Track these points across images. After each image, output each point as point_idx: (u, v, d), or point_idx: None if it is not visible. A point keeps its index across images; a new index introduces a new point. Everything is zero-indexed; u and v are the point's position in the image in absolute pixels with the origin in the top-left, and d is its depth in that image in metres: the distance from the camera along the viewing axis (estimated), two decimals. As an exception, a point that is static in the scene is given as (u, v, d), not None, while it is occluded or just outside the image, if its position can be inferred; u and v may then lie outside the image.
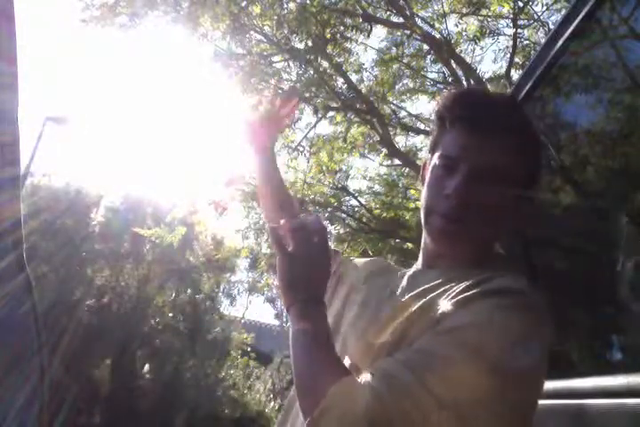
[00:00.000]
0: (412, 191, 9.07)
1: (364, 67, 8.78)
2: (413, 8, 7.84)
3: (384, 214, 9.25)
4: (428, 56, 8.32)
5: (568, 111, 1.62)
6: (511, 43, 7.61)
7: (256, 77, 7.67)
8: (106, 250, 14.07)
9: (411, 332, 0.83)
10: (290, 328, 0.86)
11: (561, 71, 1.49)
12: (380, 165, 9.85)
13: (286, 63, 8.22)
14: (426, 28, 7.59)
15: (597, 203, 1.54)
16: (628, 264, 1.37)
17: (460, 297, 0.82)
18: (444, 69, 8.13)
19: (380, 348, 0.86)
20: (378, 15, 8.25)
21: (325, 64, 7.93)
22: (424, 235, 1.00)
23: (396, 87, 9.15)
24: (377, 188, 9.81)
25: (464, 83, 7.65)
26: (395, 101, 9.25)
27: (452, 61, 7.59)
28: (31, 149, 10.72)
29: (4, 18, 0.59)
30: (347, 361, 0.88)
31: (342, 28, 7.73)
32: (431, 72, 8.88)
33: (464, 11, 7.56)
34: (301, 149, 8.86)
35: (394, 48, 8.51)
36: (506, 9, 7.32)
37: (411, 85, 9.28)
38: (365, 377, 0.73)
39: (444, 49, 7.27)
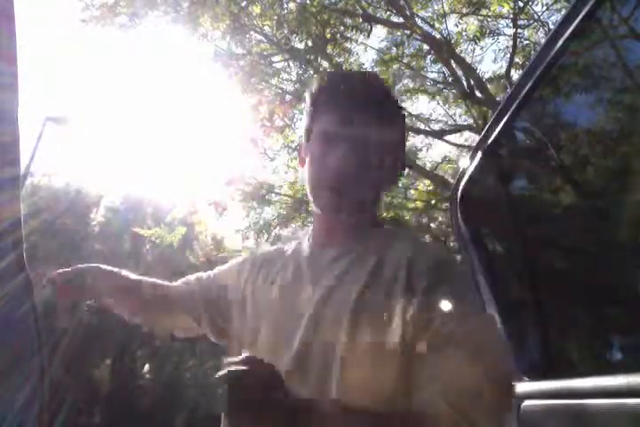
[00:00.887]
0: (412, 191, 9.08)
1: (364, 67, 8.78)
2: (413, 8, 7.84)
3: (384, 214, 9.25)
4: (428, 56, 8.31)
5: (568, 111, 1.62)
6: (511, 43, 7.61)
7: (256, 77, 7.67)
8: (106, 250, 14.06)
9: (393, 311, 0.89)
10: None
11: (561, 71, 1.49)
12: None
13: (286, 63, 8.22)
14: (426, 28, 7.59)
15: (597, 203, 1.54)
16: (628, 264, 1.37)
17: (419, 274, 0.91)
18: (444, 69, 8.14)
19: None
20: (378, 15, 8.26)
21: (325, 64, 7.93)
22: (314, 212, 1.06)
23: (396, 87, 9.15)
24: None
25: (464, 83, 7.66)
26: (395, 101, 9.24)
27: (452, 61, 7.59)
28: (31, 149, 10.72)
29: (4, 18, 0.59)
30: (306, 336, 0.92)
31: (342, 28, 7.73)
32: (431, 72, 8.88)
33: (464, 11, 7.57)
34: (301, 148, 8.83)
35: (394, 48, 8.51)
36: (506, 9, 7.32)
37: (411, 85, 9.28)
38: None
39: (444, 49, 7.28)
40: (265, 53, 8.01)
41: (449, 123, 9.42)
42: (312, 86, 1.06)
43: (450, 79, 7.74)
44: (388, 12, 8.12)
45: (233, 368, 0.74)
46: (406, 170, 1.16)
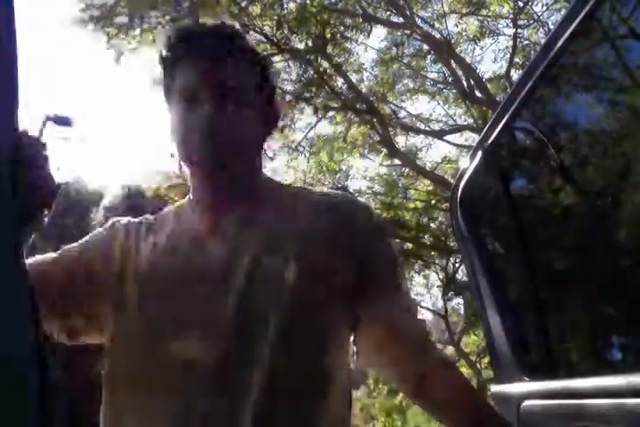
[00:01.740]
0: (412, 191, 9.07)
1: (364, 67, 8.78)
2: (413, 8, 7.84)
3: (384, 214, 9.25)
4: (428, 56, 8.32)
5: (568, 111, 1.62)
6: (511, 43, 7.61)
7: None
8: (106, 250, 14.00)
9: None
10: None
11: (561, 71, 1.49)
12: (380, 165, 9.86)
13: (286, 63, 8.22)
14: (426, 28, 7.59)
15: (598, 203, 1.54)
16: (629, 264, 1.37)
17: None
18: (444, 69, 8.13)
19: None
20: (378, 15, 8.25)
21: (325, 64, 7.93)
22: (191, 178, 0.97)
23: (396, 87, 9.15)
24: (377, 188, 9.82)
25: (464, 83, 7.66)
26: (395, 101, 9.26)
27: (452, 61, 7.59)
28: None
29: (4, 18, 0.59)
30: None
31: (342, 28, 7.73)
32: (431, 72, 8.88)
33: (464, 11, 7.57)
34: (301, 149, 8.86)
35: (394, 48, 8.51)
36: (506, 9, 7.32)
37: (411, 85, 9.28)
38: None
39: (444, 49, 7.28)
40: (265, 53, 8.01)
41: (449, 123, 9.41)
42: (164, 38, 0.98)
43: (450, 79, 7.74)
44: (388, 12, 8.12)
45: None
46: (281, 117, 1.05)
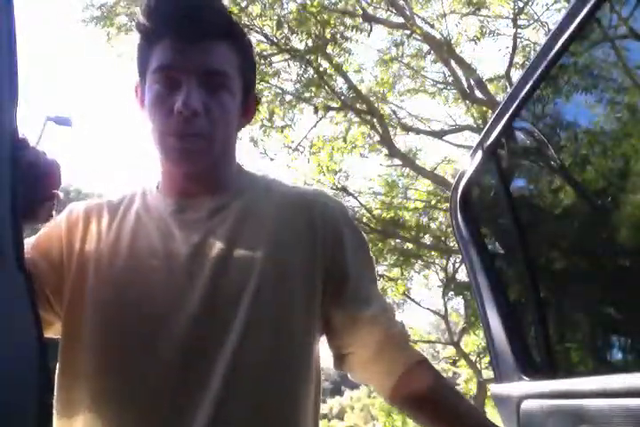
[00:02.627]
0: (412, 191, 9.08)
1: (364, 67, 8.78)
2: (413, 8, 7.85)
3: (384, 214, 9.26)
4: (428, 56, 8.32)
5: (568, 111, 1.62)
6: (511, 43, 7.61)
7: (256, 77, 7.66)
8: (106, 250, 14.02)
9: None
10: None
11: (561, 71, 1.49)
12: (380, 165, 9.86)
13: (286, 63, 8.22)
14: (426, 28, 7.59)
15: (598, 203, 1.54)
16: (629, 264, 1.37)
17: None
18: (444, 69, 8.14)
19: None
20: (378, 15, 8.26)
21: (325, 64, 7.93)
22: (162, 164, 0.92)
23: (396, 87, 9.15)
24: (377, 188, 9.82)
25: (464, 83, 7.66)
26: (395, 101, 9.26)
27: (452, 61, 7.59)
28: (31, 149, 10.68)
29: (3, 17, 0.59)
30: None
31: (342, 28, 7.74)
32: (431, 72, 8.88)
33: (464, 11, 7.57)
34: (301, 149, 8.86)
35: (394, 48, 8.52)
36: (506, 9, 7.33)
37: (411, 85, 9.28)
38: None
39: (444, 49, 7.28)
40: (265, 53, 8.01)
41: (449, 123, 9.42)
42: (139, 12, 0.89)
43: (450, 79, 7.74)
44: (388, 12, 8.12)
45: None
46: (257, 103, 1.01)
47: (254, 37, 8.00)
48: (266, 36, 7.88)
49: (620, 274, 1.39)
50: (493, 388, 1.63)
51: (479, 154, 1.68)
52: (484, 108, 7.69)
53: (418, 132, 9.22)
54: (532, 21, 7.56)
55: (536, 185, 1.87)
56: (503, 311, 1.62)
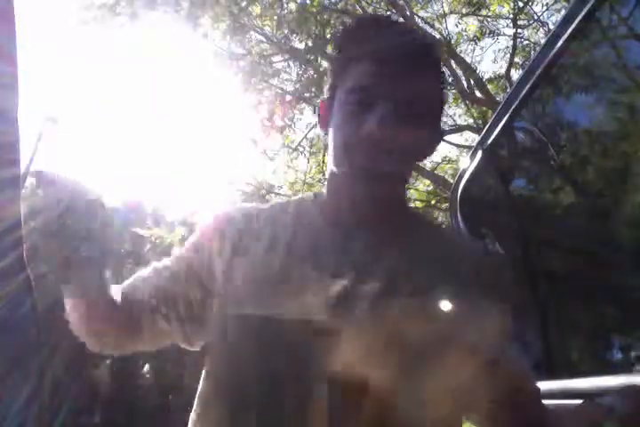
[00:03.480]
0: (412, 191, 9.08)
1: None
2: (413, 8, 7.85)
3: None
4: (428, 56, 8.30)
5: (568, 111, 1.62)
6: (511, 43, 7.61)
7: (256, 77, 7.67)
8: (106, 250, 14.01)
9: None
10: None
11: (561, 71, 1.49)
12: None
13: (286, 63, 8.22)
14: (426, 28, 7.59)
15: (598, 203, 1.54)
16: (629, 264, 1.37)
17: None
18: (444, 69, 8.12)
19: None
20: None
21: (325, 64, 7.93)
22: (337, 179, 0.85)
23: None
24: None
25: (464, 83, 7.66)
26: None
27: (452, 61, 7.59)
28: (31, 149, 10.72)
29: (4, 18, 0.59)
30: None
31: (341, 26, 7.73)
32: (431, 72, 8.85)
33: (464, 11, 7.57)
34: (301, 149, 8.86)
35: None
36: (506, 9, 7.33)
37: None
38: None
39: (444, 49, 7.28)
40: (265, 53, 8.01)
41: (449, 123, 9.41)
42: (339, 33, 0.86)
43: (450, 79, 7.73)
44: (388, 12, 8.11)
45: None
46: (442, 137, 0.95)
47: (254, 37, 8.01)
48: (266, 36, 7.88)
49: (620, 274, 1.39)
50: (493, 388, 1.63)
51: (479, 154, 1.68)
52: (484, 108, 7.69)
53: (418, 132, 9.18)
54: (532, 21, 7.56)
55: (535, 185, 1.87)
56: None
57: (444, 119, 0.97)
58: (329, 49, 7.73)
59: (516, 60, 7.64)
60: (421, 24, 7.60)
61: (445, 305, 0.79)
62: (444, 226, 0.97)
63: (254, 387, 0.74)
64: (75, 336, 0.95)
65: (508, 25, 7.63)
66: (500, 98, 7.42)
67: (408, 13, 7.65)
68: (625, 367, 1.45)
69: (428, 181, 9.14)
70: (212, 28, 7.40)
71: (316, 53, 7.57)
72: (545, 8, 7.25)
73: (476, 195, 1.87)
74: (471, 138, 9.03)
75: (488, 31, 7.59)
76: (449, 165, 9.68)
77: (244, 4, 7.56)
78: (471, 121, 8.57)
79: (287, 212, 0.89)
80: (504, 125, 1.55)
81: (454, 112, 9.20)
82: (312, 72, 7.80)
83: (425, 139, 0.85)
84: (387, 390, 0.72)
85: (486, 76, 8.12)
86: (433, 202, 9.22)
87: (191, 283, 0.87)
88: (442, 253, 0.86)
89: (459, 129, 9.03)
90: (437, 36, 7.50)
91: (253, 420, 0.73)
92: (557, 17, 7.18)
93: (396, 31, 0.83)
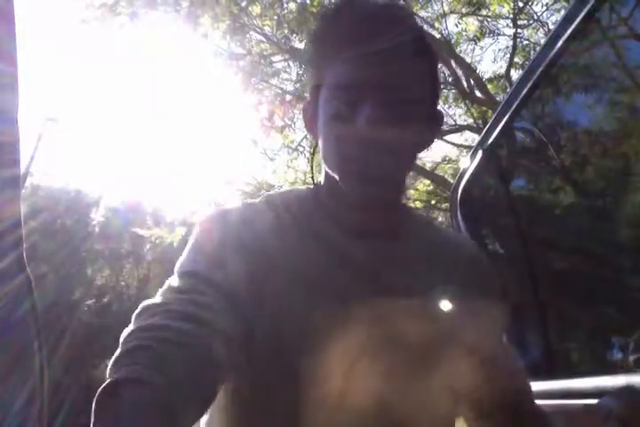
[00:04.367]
0: (412, 191, 9.07)
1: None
2: (413, 8, 7.85)
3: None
4: (428, 56, 8.30)
5: (568, 111, 1.62)
6: (511, 43, 7.62)
7: (256, 77, 7.67)
8: (106, 250, 14.07)
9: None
10: None
11: (561, 71, 1.49)
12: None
13: (286, 63, 8.22)
14: (426, 27, 7.59)
15: (598, 203, 1.54)
16: (629, 264, 1.37)
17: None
18: (444, 69, 8.13)
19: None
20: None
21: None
22: (335, 186, 0.79)
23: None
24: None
25: (464, 83, 7.66)
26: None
27: (452, 61, 7.59)
28: (31, 149, 10.73)
29: (4, 18, 0.59)
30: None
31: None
32: (431, 72, 8.85)
33: (464, 11, 7.57)
34: (301, 149, 8.86)
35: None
36: (506, 9, 7.33)
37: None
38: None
39: (444, 49, 7.27)
40: (265, 53, 8.01)
41: (449, 123, 9.42)
42: (318, 23, 0.80)
43: (450, 79, 7.73)
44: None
45: None
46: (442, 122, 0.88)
47: (254, 37, 8.01)
48: (266, 36, 7.88)
49: (620, 274, 1.39)
50: (493, 388, 1.63)
51: (479, 154, 1.68)
52: (484, 108, 7.69)
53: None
54: (531, 21, 7.56)
55: (536, 185, 1.87)
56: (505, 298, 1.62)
57: (444, 119, 0.92)
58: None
59: (516, 60, 7.65)
60: (421, 24, 7.60)
61: (445, 305, 0.79)
62: (441, 226, 0.96)
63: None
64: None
65: (507, 25, 7.64)
66: (500, 98, 7.43)
67: (408, 13, 7.65)
68: (625, 367, 1.45)
69: (428, 181, 9.14)
70: (212, 27, 7.40)
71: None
72: (545, 8, 7.25)
73: (477, 195, 1.87)
74: (471, 138, 9.04)
75: (488, 31, 7.59)
76: (449, 165, 9.68)
77: (243, 4, 7.56)
78: (471, 121, 8.57)
79: (292, 215, 0.83)
80: (504, 126, 1.55)
81: (454, 112, 9.20)
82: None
83: (420, 136, 0.79)
84: (389, 390, 0.73)
85: (486, 76, 8.12)
86: (433, 202, 9.22)
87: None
88: (439, 253, 0.85)
89: (459, 129, 9.03)
90: (437, 36, 7.50)
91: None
92: (557, 17, 7.19)
93: (382, 17, 0.75)
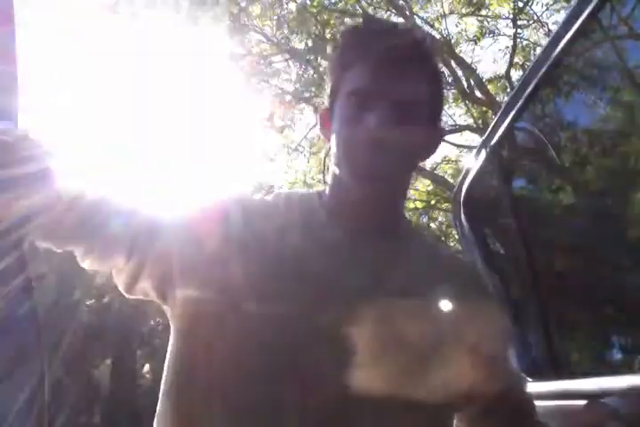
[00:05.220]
0: (413, 191, 9.08)
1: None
2: (413, 8, 7.85)
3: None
4: (429, 56, 8.31)
5: (571, 111, 1.61)
6: (511, 43, 7.62)
7: (256, 77, 7.67)
8: (106, 250, 14.03)
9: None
10: None
11: (564, 71, 1.49)
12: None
13: (286, 63, 8.23)
14: (426, 28, 7.59)
15: (601, 203, 1.54)
16: (630, 264, 1.37)
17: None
18: (444, 69, 8.13)
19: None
20: (378, 15, 8.25)
21: (325, 64, 7.94)
22: (338, 182, 0.85)
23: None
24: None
25: (464, 83, 7.67)
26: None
27: (452, 61, 7.60)
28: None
29: (4, 18, 0.59)
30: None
31: (342, 27, 7.74)
32: (431, 72, 8.87)
33: (464, 11, 7.57)
34: (301, 149, 8.87)
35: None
36: (506, 9, 7.34)
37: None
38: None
39: (444, 49, 7.28)
40: (265, 53, 8.01)
41: (449, 123, 9.41)
42: (341, 36, 0.89)
43: (450, 79, 7.74)
44: (388, 12, 8.12)
45: None
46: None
47: (254, 37, 8.01)
48: (266, 36, 7.88)
49: (621, 274, 1.39)
50: (494, 388, 1.63)
51: (482, 154, 1.67)
52: (484, 109, 7.70)
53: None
54: (531, 21, 7.57)
55: (539, 185, 1.87)
56: (505, 311, 1.62)
57: (444, 119, 0.99)
58: (329, 49, 7.73)
59: (516, 60, 7.65)
60: (421, 24, 7.60)
61: (445, 304, 0.81)
62: (435, 240, 1.02)
63: (256, 386, 0.73)
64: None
65: (508, 25, 7.65)
66: (500, 98, 7.43)
67: (408, 13, 7.65)
68: (626, 367, 1.45)
69: (428, 181, 9.15)
70: (212, 27, 7.40)
71: (315, 53, 7.57)
72: (545, 8, 7.26)
73: (480, 195, 1.87)
74: (471, 138, 9.04)
75: (488, 31, 7.60)
76: (449, 165, 9.68)
77: (243, 4, 7.56)
78: (471, 121, 8.58)
79: (292, 209, 0.87)
80: (508, 126, 1.55)
81: (454, 112, 9.20)
82: (312, 72, 7.80)
83: (424, 139, 0.85)
84: (389, 390, 0.73)
85: (486, 76, 8.13)
86: (433, 202, 9.23)
87: (188, 244, 0.80)
88: (437, 255, 0.90)
89: (459, 129, 9.03)
90: (437, 36, 7.50)
91: (254, 421, 0.72)
92: (557, 17, 7.19)
93: (392, 33, 0.84)
